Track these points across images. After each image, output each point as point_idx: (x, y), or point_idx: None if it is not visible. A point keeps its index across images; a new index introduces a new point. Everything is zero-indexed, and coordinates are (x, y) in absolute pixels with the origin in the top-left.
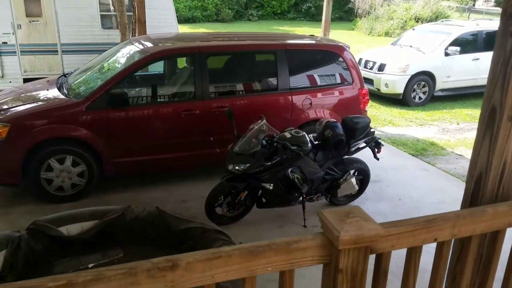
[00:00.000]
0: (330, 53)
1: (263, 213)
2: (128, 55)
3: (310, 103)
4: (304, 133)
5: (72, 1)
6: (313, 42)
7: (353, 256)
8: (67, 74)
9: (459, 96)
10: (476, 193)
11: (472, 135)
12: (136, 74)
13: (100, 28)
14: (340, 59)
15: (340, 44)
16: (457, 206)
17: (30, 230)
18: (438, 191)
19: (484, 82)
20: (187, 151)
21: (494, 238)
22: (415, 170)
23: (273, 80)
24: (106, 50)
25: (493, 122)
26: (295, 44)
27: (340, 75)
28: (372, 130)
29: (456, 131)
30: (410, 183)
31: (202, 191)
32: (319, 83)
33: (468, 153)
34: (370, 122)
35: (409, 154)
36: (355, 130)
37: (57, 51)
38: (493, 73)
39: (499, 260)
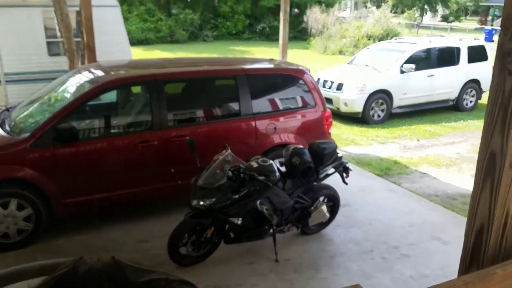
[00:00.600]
0: (291, 77)
1: (231, 248)
2: (77, 85)
3: (274, 128)
4: (271, 161)
5: (15, 27)
6: (274, 66)
7: None
8: (10, 108)
9: (416, 112)
10: (477, 247)
11: (433, 151)
12: (86, 104)
13: (47, 55)
14: (301, 82)
15: (301, 67)
16: (427, 229)
17: None
18: (407, 213)
19: (439, 97)
20: (146, 185)
21: None
22: (382, 191)
23: (235, 106)
24: (54, 78)
25: (493, 169)
26: (255, 68)
27: (302, 98)
28: (339, 155)
29: (417, 148)
30: (378, 206)
31: (164, 228)
32: (282, 107)
33: (431, 171)
34: (337, 147)
35: (375, 174)
36: (323, 156)
37: None
38: (490, 116)
39: None
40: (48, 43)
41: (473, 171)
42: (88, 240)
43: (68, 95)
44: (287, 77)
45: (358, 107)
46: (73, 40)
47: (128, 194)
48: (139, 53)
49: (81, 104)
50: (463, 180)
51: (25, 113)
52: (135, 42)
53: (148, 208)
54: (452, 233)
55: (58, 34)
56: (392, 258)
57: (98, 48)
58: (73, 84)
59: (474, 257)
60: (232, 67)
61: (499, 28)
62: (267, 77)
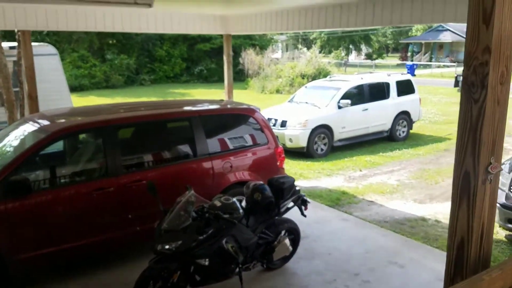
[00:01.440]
0: (243, 116)
1: None
2: (25, 136)
3: (231, 166)
4: (234, 199)
5: None
6: (226, 106)
7: None
8: None
9: (355, 144)
10: (460, 260)
11: (375, 180)
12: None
13: None
14: (253, 120)
15: (252, 106)
16: (382, 254)
17: None
18: (362, 240)
19: (374, 129)
20: (104, 234)
21: None
22: (336, 221)
23: (191, 147)
24: None
25: (468, 187)
26: (209, 109)
27: (255, 136)
28: (297, 188)
29: (361, 178)
30: (335, 235)
31: (123, 276)
32: (236, 145)
33: (377, 198)
34: (294, 180)
35: (326, 205)
36: (283, 190)
37: None
38: (461, 140)
39: None
40: None
41: (415, 196)
42: None
43: (17, 146)
44: (239, 116)
45: (303, 142)
46: (12, 90)
47: (86, 244)
48: (75, 100)
49: (32, 155)
50: (407, 205)
51: None
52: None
53: (106, 256)
54: (406, 256)
55: None
56: (354, 285)
57: (38, 97)
58: (20, 135)
59: (457, 269)
60: (186, 109)
61: (419, 63)
62: (220, 117)
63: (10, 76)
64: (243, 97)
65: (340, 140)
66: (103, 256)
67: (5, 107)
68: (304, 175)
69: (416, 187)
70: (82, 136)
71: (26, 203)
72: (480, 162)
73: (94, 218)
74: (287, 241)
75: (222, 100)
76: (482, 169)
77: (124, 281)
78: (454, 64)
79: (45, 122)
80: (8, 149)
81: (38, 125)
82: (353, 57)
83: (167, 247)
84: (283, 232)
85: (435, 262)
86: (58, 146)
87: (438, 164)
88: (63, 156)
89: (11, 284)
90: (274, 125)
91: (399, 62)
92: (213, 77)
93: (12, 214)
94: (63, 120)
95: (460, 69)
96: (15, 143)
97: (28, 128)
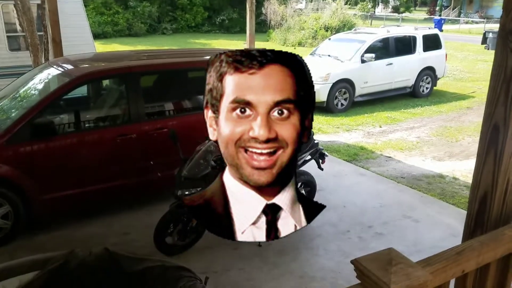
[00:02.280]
0: None
1: (215, 236)
2: (49, 80)
3: None
4: None
5: None
6: None
7: None
8: None
9: (377, 100)
10: (481, 214)
11: (395, 136)
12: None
13: (7, 50)
14: None
15: None
16: (397, 208)
17: None
18: (377, 195)
19: (397, 85)
20: (126, 179)
21: (507, 260)
22: (353, 176)
23: None
24: (16, 74)
25: (497, 140)
26: None
27: None
28: (316, 141)
29: (380, 134)
30: (350, 189)
31: (145, 220)
32: None
33: (395, 155)
34: (313, 134)
35: (344, 160)
36: (301, 143)
37: None
38: (493, 91)
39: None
40: (8, 38)
41: (434, 154)
42: (69, 236)
43: (42, 90)
44: None
45: (323, 97)
46: (37, 34)
47: (109, 188)
48: (98, 48)
49: (56, 98)
50: (426, 162)
51: None
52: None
53: (127, 201)
54: (421, 212)
55: (19, 28)
56: (367, 237)
57: (62, 42)
58: (45, 79)
59: (478, 223)
60: (207, 58)
61: (447, 17)
62: None
63: (34, 19)
64: None
65: (361, 96)
66: (125, 200)
67: (30, 50)
68: (322, 129)
69: (436, 145)
70: (105, 82)
71: (51, 146)
72: (511, 115)
73: (117, 163)
74: (303, 193)
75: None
76: None
77: (145, 223)
78: (483, 20)
79: (69, 67)
80: (33, 92)
81: (62, 69)
82: (379, 10)
83: (187, 193)
84: (299, 184)
85: (450, 218)
86: (82, 91)
87: (460, 122)
88: (87, 101)
89: (36, 224)
90: None
91: (427, 16)
92: (234, 28)
93: (37, 155)
94: (87, 65)
95: (489, 26)
96: (40, 86)
97: (53, 72)
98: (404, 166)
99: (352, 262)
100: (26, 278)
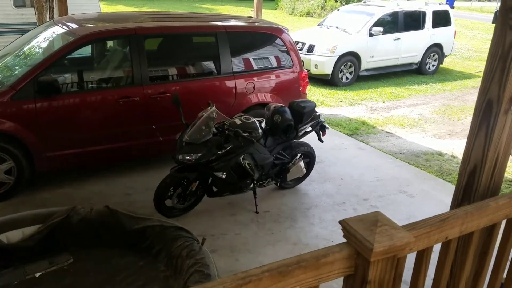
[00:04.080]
0: (270, 36)
1: (214, 201)
2: (54, 38)
3: (254, 87)
4: (254, 119)
5: None
6: (254, 24)
7: (381, 266)
8: None
9: (382, 75)
10: (469, 186)
11: (397, 112)
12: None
13: (13, 7)
14: (280, 42)
15: (280, 26)
16: (393, 183)
17: None
18: (375, 169)
19: (404, 61)
20: (128, 141)
21: (491, 230)
22: (352, 150)
23: (215, 64)
24: (21, 31)
25: (489, 115)
26: (235, 26)
27: (281, 58)
28: (318, 114)
29: (383, 110)
30: (349, 163)
31: (146, 182)
32: (260, 66)
33: (396, 131)
34: (315, 106)
35: (344, 134)
36: (303, 115)
37: None
38: (490, 66)
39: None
40: None
41: (435, 131)
42: (71, 193)
43: (46, 48)
44: (266, 36)
45: (328, 69)
46: None
47: (110, 149)
48: (103, 8)
49: (61, 57)
50: (426, 139)
51: (1, 65)
52: None
53: (129, 163)
54: (417, 187)
55: None
56: (362, 209)
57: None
58: (50, 37)
59: (466, 194)
60: (213, 23)
61: None
62: (247, 35)
63: None
64: (271, 17)
65: (367, 70)
66: (128, 162)
67: (35, 8)
68: (325, 102)
69: (438, 122)
70: (109, 43)
71: (55, 104)
72: (505, 91)
73: (120, 124)
74: (301, 164)
75: (250, 17)
76: (507, 99)
77: (146, 186)
78: None
79: (74, 26)
80: (37, 50)
81: (67, 28)
82: None
83: (187, 157)
84: (299, 155)
85: (445, 195)
86: (86, 51)
87: (464, 101)
88: (91, 62)
89: (38, 180)
90: (301, 49)
91: None
92: None
93: (41, 113)
94: (91, 25)
95: None
96: (44, 44)
97: (57, 30)
98: (404, 142)
99: (340, 222)
100: (29, 231)
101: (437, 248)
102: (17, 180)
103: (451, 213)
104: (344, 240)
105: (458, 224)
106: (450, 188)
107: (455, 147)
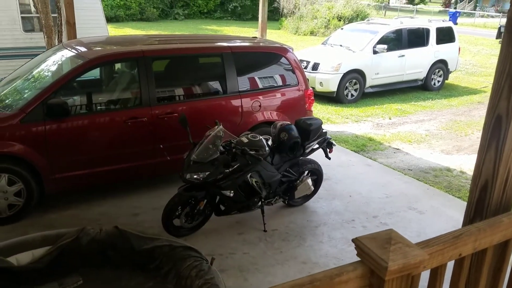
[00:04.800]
0: (275, 55)
1: (221, 220)
2: (63, 61)
3: (260, 106)
4: (261, 137)
5: None
6: (259, 44)
7: (396, 285)
8: None
9: (387, 92)
10: (481, 202)
11: (404, 128)
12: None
13: (22, 31)
14: (285, 60)
15: (285, 46)
16: (402, 199)
17: None
18: (383, 185)
19: (409, 77)
20: (136, 161)
21: (505, 246)
22: (360, 166)
23: (221, 84)
24: (30, 55)
25: (499, 131)
26: (241, 46)
27: (286, 76)
28: (324, 131)
29: (389, 126)
30: (357, 179)
31: (153, 202)
32: (266, 85)
33: (403, 147)
34: (322, 123)
35: (351, 150)
36: (309, 132)
37: None
38: (497, 83)
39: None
40: (23, 19)
41: (443, 147)
42: (79, 215)
43: (55, 71)
44: (272, 55)
45: (333, 87)
46: (51, 16)
47: (118, 170)
48: (111, 31)
49: (70, 80)
50: (434, 155)
51: (10, 88)
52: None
53: (136, 183)
54: (427, 204)
55: (33, 9)
56: (372, 226)
57: (76, 24)
58: (59, 60)
59: (478, 210)
60: (219, 44)
61: (462, 11)
62: (253, 55)
63: (49, 1)
64: (275, 37)
65: (372, 87)
66: (135, 182)
67: (44, 32)
68: (331, 119)
69: (445, 138)
70: (118, 65)
71: (64, 126)
72: None
73: (128, 145)
74: (309, 181)
75: (255, 38)
76: None
77: (153, 205)
78: (499, 14)
79: (83, 49)
80: (46, 73)
81: (76, 51)
82: (394, 1)
83: (195, 176)
84: (306, 172)
85: (455, 211)
86: (95, 73)
87: (470, 116)
88: (100, 84)
89: (46, 202)
90: (306, 67)
91: (442, 8)
92: (247, 15)
93: (50, 135)
94: (100, 48)
95: (504, 20)
96: (54, 68)
97: (66, 53)
98: (411, 158)
99: (353, 240)
100: (39, 253)
101: (450, 265)
102: (26, 202)
103: (464, 229)
104: (356, 258)
105: (471, 240)
106: (460, 204)
107: (463, 162)
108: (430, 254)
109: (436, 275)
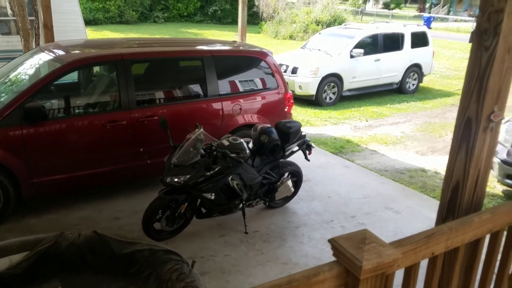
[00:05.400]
0: (255, 59)
1: (203, 223)
2: (40, 65)
3: (240, 109)
4: (241, 140)
5: None
6: (239, 48)
7: (371, 284)
8: None
9: (364, 95)
10: (453, 202)
11: (380, 131)
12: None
13: None
14: (265, 64)
15: (264, 50)
16: (379, 200)
17: None
18: (361, 186)
19: (385, 81)
20: (115, 164)
21: (476, 245)
22: (338, 168)
23: (202, 87)
24: (6, 58)
25: (469, 133)
26: (221, 50)
27: (266, 80)
28: (303, 133)
29: (366, 128)
30: (335, 181)
31: (134, 205)
32: (246, 88)
33: (380, 148)
34: (301, 126)
35: (330, 152)
36: (289, 135)
37: None
38: (467, 87)
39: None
40: None
41: (417, 148)
42: (59, 219)
43: (33, 74)
44: (251, 59)
45: (312, 90)
46: (28, 19)
47: (98, 173)
48: (89, 34)
49: (48, 83)
50: (409, 156)
51: None
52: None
53: (117, 187)
54: (403, 204)
55: (10, 12)
56: (350, 226)
57: (53, 27)
58: (36, 64)
59: (450, 210)
60: (199, 48)
61: (436, 15)
62: (233, 58)
63: (26, 4)
64: (255, 41)
65: (349, 90)
66: (116, 186)
67: (21, 35)
68: (310, 122)
69: (420, 140)
70: (96, 68)
71: (41, 130)
72: (483, 110)
73: (107, 149)
74: (289, 183)
75: (235, 42)
76: (485, 117)
77: (135, 209)
78: (472, 18)
79: (61, 52)
80: (23, 77)
81: (53, 55)
82: (370, 6)
83: (176, 179)
84: (286, 174)
85: (430, 211)
86: (73, 77)
87: (444, 118)
88: (78, 87)
89: (24, 206)
90: (285, 71)
91: (417, 13)
92: (227, 19)
93: (28, 139)
94: (78, 51)
95: None
96: (31, 71)
97: (44, 57)
98: (388, 159)
99: (329, 241)
100: (16, 259)
101: (424, 263)
102: (3, 207)
103: (436, 229)
104: (333, 258)
105: (444, 239)
106: (435, 204)
107: (438, 163)
108: (404, 253)
109: (410, 273)
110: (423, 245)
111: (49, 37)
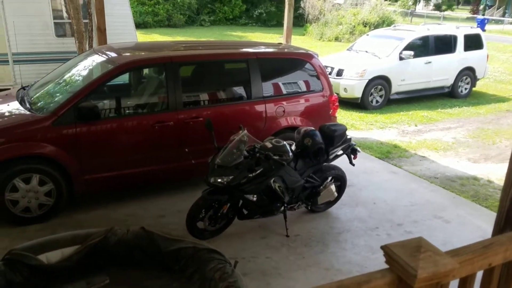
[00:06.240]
0: (300, 61)
1: (244, 224)
2: (94, 66)
3: (283, 111)
4: (284, 142)
5: (23, 8)
6: (284, 50)
7: None
8: (26, 87)
9: (413, 98)
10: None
11: (430, 136)
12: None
13: (54, 36)
14: (310, 66)
15: (310, 52)
16: (428, 208)
17: (7, 261)
18: (408, 193)
19: (435, 84)
20: (162, 164)
21: None
22: (384, 173)
23: (246, 89)
24: (61, 59)
25: None
26: (266, 52)
27: (310, 82)
28: (348, 137)
29: (415, 133)
30: (381, 187)
31: (179, 205)
32: (290, 91)
33: (430, 154)
34: (346, 129)
35: (376, 157)
36: (334, 138)
37: (7, 61)
38: None
39: None
40: (55, 24)
41: (470, 155)
42: (107, 215)
43: (86, 75)
44: (296, 61)
45: (358, 93)
46: (82, 21)
47: (145, 172)
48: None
49: (101, 84)
50: (461, 163)
51: (43, 91)
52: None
53: (163, 186)
54: (453, 213)
55: (65, 15)
56: (396, 234)
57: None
58: (90, 65)
59: (508, 220)
60: (244, 50)
61: (490, 17)
62: (277, 61)
63: (80, 7)
64: (300, 43)
65: (397, 93)
66: (161, 185)
67: (75, 37)
68: (356, 126)
69: (472, 146)
70: (146, 70)
71: (94, 129)
72: None
73: (154, 148)
74: (332, 187)
75: (280, 44)
76: None
77: (178, 208)
78: None
79: (113, 54)
80: (78, 77)
81: (106, 57)
82: (420, 7)
83: (219, 180)
84: (329, 178)
85: (482, 221)
86: (124, 78)
87: (498, 125)
88: (129, 88)
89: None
90: (330, 73)
91: (470, 15)
92: (271, 21)
93: (81, 137)
94: (129, 54)
95: None
96: (85, 72)
97: (97, 59)
98: (438, 166)
99: (382, 247)
100: (68, 251)
101: (479, 275)
102: (56, 202)
103: (494, 239)
104: (382, 266)
105: (502, 250)
106: (487, 214)
107: (491, 171)
108: (460, 263)
109: (465, 284)
110: (480, 256)
111: (102, 40)
